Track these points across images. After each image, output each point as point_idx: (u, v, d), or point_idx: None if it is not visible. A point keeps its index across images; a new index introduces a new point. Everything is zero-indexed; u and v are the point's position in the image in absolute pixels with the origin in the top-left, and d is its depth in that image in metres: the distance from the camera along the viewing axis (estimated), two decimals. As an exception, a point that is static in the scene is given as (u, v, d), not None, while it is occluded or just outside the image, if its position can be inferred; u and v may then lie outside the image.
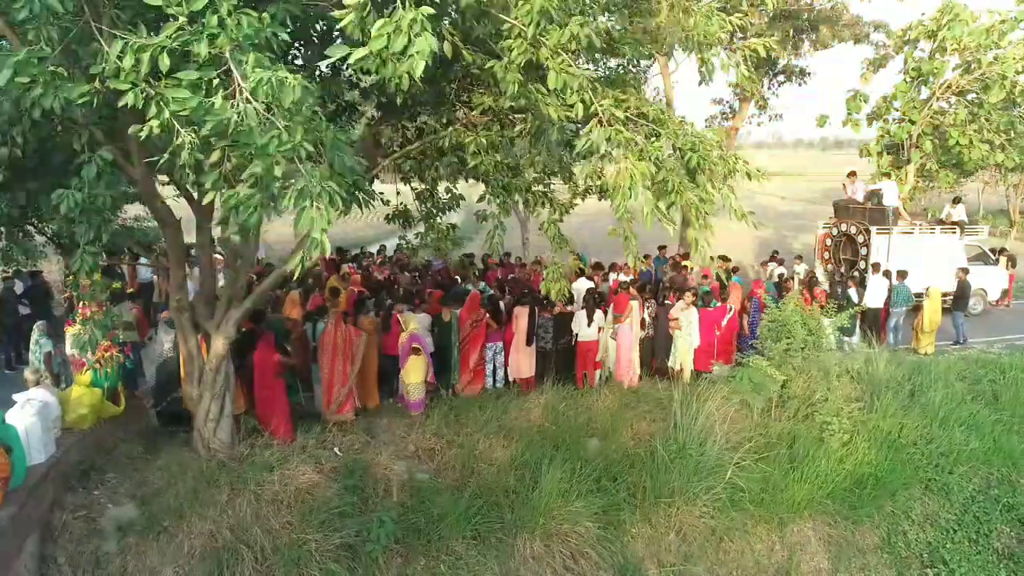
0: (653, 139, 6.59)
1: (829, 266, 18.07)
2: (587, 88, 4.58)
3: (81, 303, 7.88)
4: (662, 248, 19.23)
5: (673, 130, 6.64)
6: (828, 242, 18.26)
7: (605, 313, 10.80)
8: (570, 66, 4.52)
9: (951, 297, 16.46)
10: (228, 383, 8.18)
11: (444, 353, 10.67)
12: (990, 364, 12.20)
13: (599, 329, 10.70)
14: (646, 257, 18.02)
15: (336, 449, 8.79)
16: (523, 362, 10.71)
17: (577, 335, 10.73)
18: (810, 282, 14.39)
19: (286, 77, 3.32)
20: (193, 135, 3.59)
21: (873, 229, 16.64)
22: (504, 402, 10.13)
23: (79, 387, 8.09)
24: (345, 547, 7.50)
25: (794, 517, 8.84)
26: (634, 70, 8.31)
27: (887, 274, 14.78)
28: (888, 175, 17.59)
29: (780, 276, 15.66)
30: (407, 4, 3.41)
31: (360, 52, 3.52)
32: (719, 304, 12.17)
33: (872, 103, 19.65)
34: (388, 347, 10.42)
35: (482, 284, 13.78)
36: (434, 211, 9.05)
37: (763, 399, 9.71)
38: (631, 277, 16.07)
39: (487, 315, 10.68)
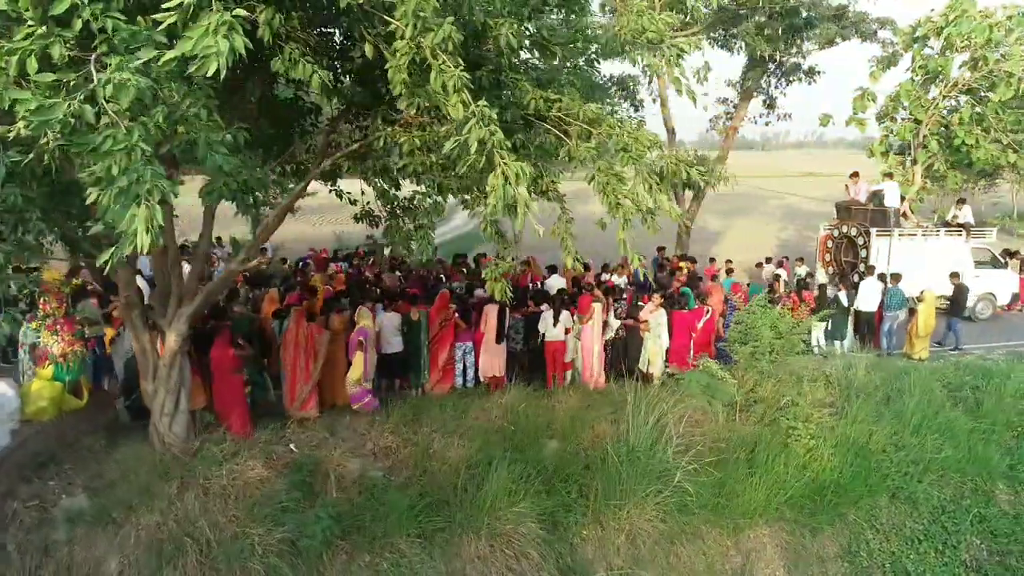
0: (583, 141, 6.57)
1: (830, 268, 17.74)
2: (462, 88, 4.58)
3: (42, 299, 8.15)
4: (661, 249, 19.09)
5: (606, 131, 6.58)
6: (829, 244, 17.93)
7: (573, 314, 10.76)
8: (451, 67, 4.52)
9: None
10: (183, 378, 8.35)
11: (413, 352, 10.74)
12: (978, 370, 11.82)
13: (567, 330, 10.66)
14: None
15: (292, 445, 8.91)
16: (493, 361, 10.71)
17: (544, 335, 10.70)
18: (799, 285, 14.13)
19: (127, 79, 3.40)
20: (56, 136, 3.70)
21: (873, 231, 16.29)
22: (467, 402, 10.16)
23: (40, 380, 8.34)
24: (287, 542, 7.59)
25: (750, 523, 8.70)
26: (588, 70, 8.19)
27: (882, 277, 14.45)
28: (891, 175, 17.16)
29: (776, 277, 15.46)
30: (215, 6, 3.48)
31: (170, 54, 3.58)
32: (696, 306, 12.01)
33: (881, 102, 19.24)
34: (358, 344, 10.52)
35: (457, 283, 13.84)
36: (397, 211, 9.08)
37: (721, 403, 9.56)
38: (624, 278, 16.06)
39: (456, 314, 10.71)
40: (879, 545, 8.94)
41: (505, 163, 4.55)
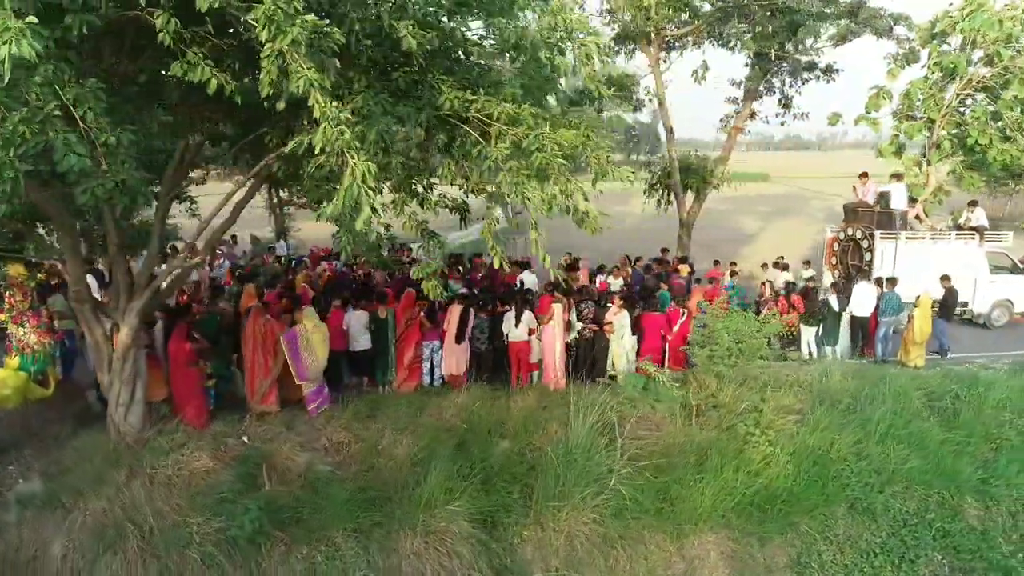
0: (497, 140, 6.58)
1: (835, 272, 17.25)
2: (318, 89, 4.66)
3: (7, 293, 8.57)
4: (665, 251, 18.90)
5: (523, 132, 6.59)
6: (835, 247, 17.43)
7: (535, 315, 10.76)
8: (304, 68, 4.61)
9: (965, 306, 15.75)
10: (138, 370, 8.64)
11: (381, 350, 10.90)
12: (965, 380, 11.32)
13: (530, 331, 10.66)
14: (638, 260, 17.79)
15: (244, 437, 9.14)
16: (454, 360, 10.78)
17: (507, 335, 10.72)
18: (787, 288, 13.78)
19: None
20: None
21: (877, 234, 15.78)
22: (426, 400, 10.25)
23: (5, 370, 8.75)
24: (224, 532, 7.81)
25: (695, 529, 8.55)
26: (536, 73, 8.14)
27: (879, 282, 13.98)
28: (899, 176, 16.58)
29: (763, 282, 15.16)
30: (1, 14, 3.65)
31: (-45, 61, 3.77)
32: (671, 308, 11.87)
33: (897, 101, 18.62)
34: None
35: (454, 283, 13.93)
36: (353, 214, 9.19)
37: (673, 406, 9.42)
38: (620, 280, 15.94)
39: (421, 313, 10.82)
40: (832, 557, 8.67)
41: (355, 163, 4.63)
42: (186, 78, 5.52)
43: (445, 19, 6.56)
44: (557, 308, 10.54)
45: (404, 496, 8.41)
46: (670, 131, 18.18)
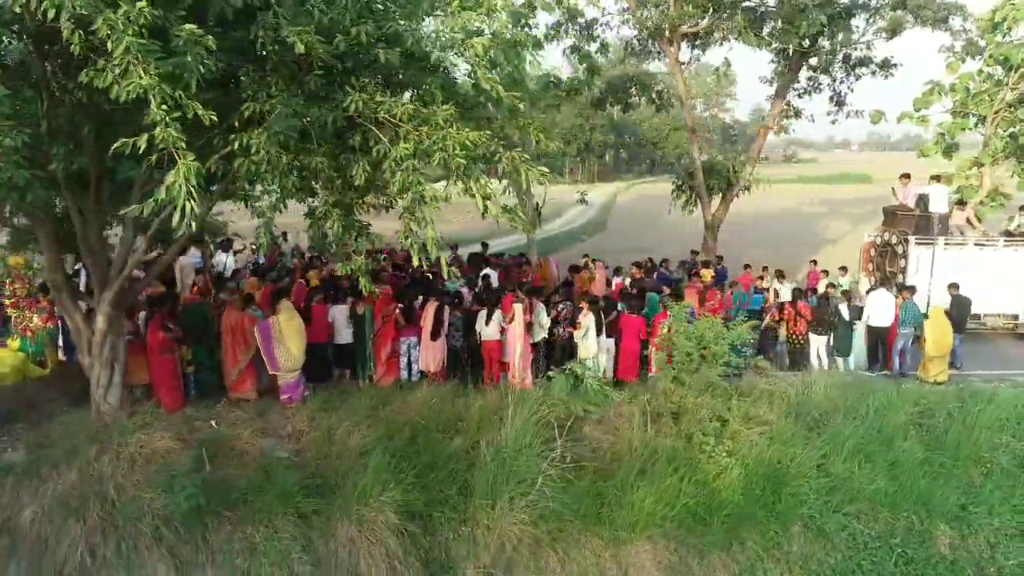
0: (400, 141, 6.74)
1: (872, 279, 16.27)
2: (155, 92, 4.92)
3: (8, 281, 9.48)
4: (695, 252, 18.42)
5: (428, 132, 6.72)
6: (872, 252, 16.45)
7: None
8: (141, 75, 4.90)
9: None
10: (117, 354, 9.34)
11: (359, 345, 11.27)
12: (973, 398, 10.45)
13: (502, 329, 10.72)
14: (664, 261, 17.42)
15: (213, 422, 9.71)
16: (429, 356, 10.99)
17: (480, 333, 10.83)
18: (794, 295, 13.14)
19: None
20: None
21: (912, 239, 14.80)
22: (395, 394, 10.51)
23: (4, 350, 9.68)
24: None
25: (631, 537, 8.38)
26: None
27: (900, 289, 13.12)
28: (938, 178, 15.46)
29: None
30: None
31: None
32: (660, 311, 11.60)
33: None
34: (311, 335, 11.13)
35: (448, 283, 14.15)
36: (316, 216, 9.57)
37: (626, 409, 9.25)
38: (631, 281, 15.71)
39: (397, 310, 11.09)
40: (778, 575, 8.30)
41: (182, 162, 4.90)
42: (95, 84, 5.97)
43: (351, 25, 6.68)
44: (518, 308, 10.54)
45: (346, 485, 8.70)
46: (692, 131, 17.67)
